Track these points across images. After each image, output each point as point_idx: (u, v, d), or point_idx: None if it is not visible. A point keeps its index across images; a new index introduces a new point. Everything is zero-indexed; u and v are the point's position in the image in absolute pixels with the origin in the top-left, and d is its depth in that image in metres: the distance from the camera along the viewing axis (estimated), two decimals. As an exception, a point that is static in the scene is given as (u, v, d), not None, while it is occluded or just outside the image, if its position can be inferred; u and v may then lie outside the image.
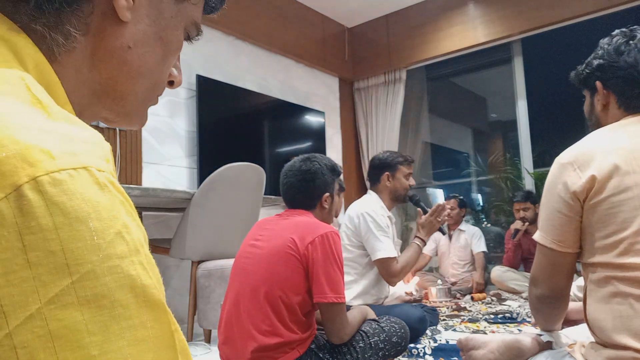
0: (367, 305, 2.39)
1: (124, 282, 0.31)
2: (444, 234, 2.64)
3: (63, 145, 0.31)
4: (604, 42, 1.12)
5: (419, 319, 2.30)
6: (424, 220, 2.44)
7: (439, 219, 2.43)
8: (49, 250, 0.29)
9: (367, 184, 2.70)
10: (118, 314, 0.30)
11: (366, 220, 2.40)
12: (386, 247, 2.37)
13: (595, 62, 1.11)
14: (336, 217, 3.30)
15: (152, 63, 0.49)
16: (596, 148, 1.00)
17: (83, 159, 0.32)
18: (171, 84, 0.55)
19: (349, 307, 2.36)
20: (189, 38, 0.54)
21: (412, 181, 2.61)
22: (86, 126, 0.36)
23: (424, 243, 2.45)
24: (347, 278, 2.45)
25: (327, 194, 1.69)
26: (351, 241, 2.48)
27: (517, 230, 3.78)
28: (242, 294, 1.53)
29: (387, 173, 2.56)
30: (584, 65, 1.16)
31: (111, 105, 0.49)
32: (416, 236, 2.45)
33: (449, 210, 2.51)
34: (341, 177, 3.35)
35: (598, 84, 1.11)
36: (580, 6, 3.78)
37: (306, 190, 1.66)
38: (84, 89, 0.46)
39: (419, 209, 2.53)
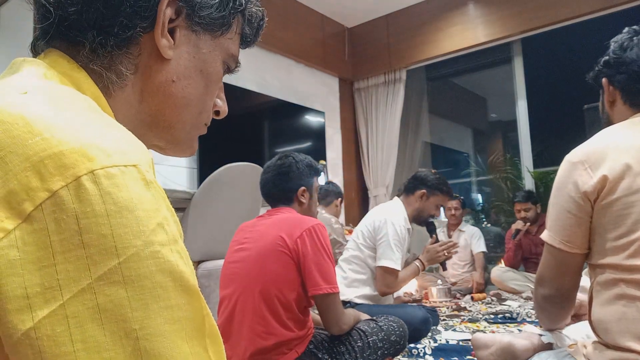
0: (370, 305, 2.41)
1: (164, 266, 0.35)
2: (444, 269, 2.70)
3: (116, 146, 0.36)
4: (614, 39, 1.10)
5: (423, 320, 2.30)
6: (431, 247, 2.47)
7: (446, 254, 2.47)
8: (100, 233, 0.33)
9: (400, 189, 2.69)
10: (158, 295, 0.34)
11: (387, 226, 2.41)
12: (395, 258, 2.37)
13: (603, 58, 1.10)
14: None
15: (195, 94, 0.55)
16: (608, 147, 0.97)
17: (133, 158, 0.36)
18: (217, 113, 0.61)
19: (355, 305, 2.37)
20: (229, 69, 0.60)
21: (438, 212, 2.60)
22: (134, 137, 0.40)
23: (424, 267, 2.48)
24: (356, 276, 2.48)
25: (304, 188, 1.67)
26: (366, 242, 2.49)
27: (518, 231, 3.77)
28: (237, 298, 1.51)
29: (424, 191, 2.54)
30: (597, 62, 1.14)
31: (161, 134, 0.55)
32: (418, 258, 2.48)
33: (456, 249, 2.55)
34: (340, 185, 3.39)
35: (604, 80, 1.10)
36: (580, 6, 3.78)
37: (281, 183, 1.65)
38: (135, 120, 0.52)
39: (433, 235, 2.56)
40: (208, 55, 0.55)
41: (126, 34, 0.48)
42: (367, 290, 2.45)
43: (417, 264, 2.46)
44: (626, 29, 1.09)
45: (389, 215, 2.46)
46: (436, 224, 4.63)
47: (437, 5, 4.52)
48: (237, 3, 0.56)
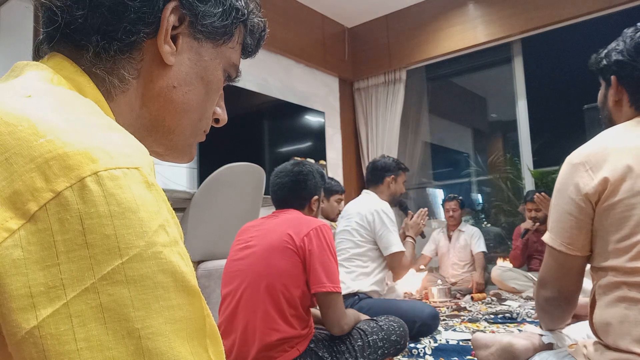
0: (382, 300, 2.52)
1: (165, 267, 0.35)
2: (423, 237, 2.93)
3: (119, 148, 0.37)
4: (628, 33, 1.06)
5: (432, 316, 2.34)
6: (412, 222, 2.76)
7: (424, 222, 2.76)
8: (104, 233, 0.33)
9: (366, 184, 2.90)
10: (159, 295, 0.35)
11: (381, 216, 2.57)
12: (398, 241, 2.56)
13: (614, 55, 1.06)
14: (333, 220, 3.32)
15: (196, 100, 0.56)
16: (608, 148, 0.96)
17: (135, 160, 0.37)
18: (216, 121, 0.62)
19: (364, 297, 2.47)
20: (229, 78, 0.61)
21: (404, 188, 2.91)
22: (136, 140, 0.41)
23: (415, 241, 2.74)
24: (361, 270, 2.57)
25: (316, 197, 1.74)
26: (363, 237, 2.60)
27: (527, 230, 3.75)
28: (241, 293, 1.52)
29: (392, 175, 2.77)
30: (604, 54, 1.10)
31: (160, 140, 0.56)
32: (408, 235, 2.73)
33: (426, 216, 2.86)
34: (340, 181, 3.36)
35: (613, 79, 1.07)
36: (580, 6, 3.78)
37: (298, 190, 1.70)
38: (136, 124, 0.53)
39: (409, 211, 2.86)
40: (209, 63, 0.56)
41: (129, 39, 0.49)
42: (373, 279, 2.57)
43: (411, 240, 2.70)
44: None
45: (378, 206, 2.62)
46: (436, 224, 4.65)
47: (437, 5, 4.52)
48: (240, 13, 0.57)
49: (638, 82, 1.03)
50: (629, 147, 0.95)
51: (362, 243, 2.59)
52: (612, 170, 0.93)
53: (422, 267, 3.99)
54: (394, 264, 2.56)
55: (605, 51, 1.11)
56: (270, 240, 1.55)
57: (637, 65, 1.02)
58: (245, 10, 0.58)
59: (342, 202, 3.36)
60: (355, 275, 2.55)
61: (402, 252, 2.55)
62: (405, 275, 2.67)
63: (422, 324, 2.29)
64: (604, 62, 1.09)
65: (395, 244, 2.53)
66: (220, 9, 0.54)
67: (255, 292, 1.50)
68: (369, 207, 2.63)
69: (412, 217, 2.78)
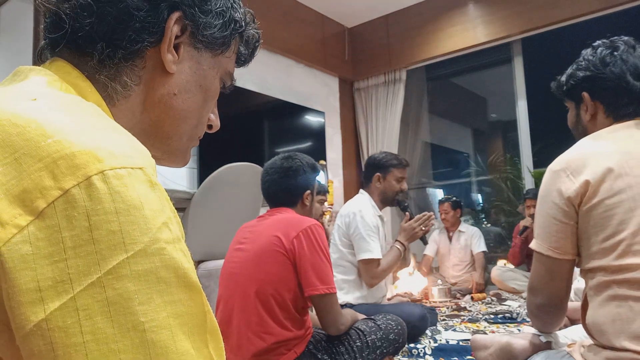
0: (368, 305, 2.39)
1: (168, 262, 0.36)
2: (425, 243, 2.65)
3: (123, 149, 0.38)
4: (587, 53, 1.13)
5: (420, 317, 2.31)
6: (407, 225, 2.42)
7: (424, 228, 2.42)
8: (110, 229, 0.35)
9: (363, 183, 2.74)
10: (162, 289, 0.36)
11: (356, 219, 2.39)
12: (372, 248, 2.33)
13: (581, 73, 1.13)
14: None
15: (194, 107, 0.58)
16: (587, 154, 1.01)
17: (139, 161, 0.38)
18: (210, 127, 0.64)
19: (343, 307, 2.36)
20: (224, 86, 0.63)
21: (404, 185, 2.56)
22: (139, 142, 0.43)
23: (404, 247, 2.42)
24: (344, 277, 2.43)
25: (309, 191, 1.68)
26: (342, 240, 2.47)
27: (525, 228, 3.75)
28: (233, 298, 1.51)
29: (378, 174, 2.53)
30: (567, 77, 1.17)
31: (158, 144, 0.58)
32: (397, 240, 2.44)
33: (433, 221, 2.51)
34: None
35: (585, 95, 1.13)
36: (580, 6, 3.78)
37: (288, 186, 1.64)
38: (136, 129, 0.54)
39: (407, 212, 2.51)
40: (208, 72, 0.58)
41: (134, 47, 0.51)
42: (358, 292, 2.41)
43: (398, 246, 2.40)
44: (597, 42, 1.13)
45: (356, 208, 2.43)
46: (436, 224, 4.62)
47: (437, 5, 4.52)
48: (238, 25, 0.60)
49: (611, 92, 1.08)
50: (607, 151, 0.99)
51: (341, 247, 2.45)
52: (593, 173, 0.97)
53: (422, 272, 3.96)
54: (362, 272, 2.36)
55: (567, 75, 1.17)
56: (261, 243, 1.52)
57: (607, 77, 1.08)
58: (243, 22, 0.61)
59: (326, 203, 3.33)
60: (339, 285, 2.36)
61: (375, 260, 2.31)
62: (377, 283, 2.41)
63: (413, 326, 2.16)
64: (571, 82, 1.16)
65: (366, 251, 2.32)
66: (221, 21, 0.57)
67: (246, 299, 1.48)
68: (351, 207, 2.48)
69: (409, 219, 2.45)
